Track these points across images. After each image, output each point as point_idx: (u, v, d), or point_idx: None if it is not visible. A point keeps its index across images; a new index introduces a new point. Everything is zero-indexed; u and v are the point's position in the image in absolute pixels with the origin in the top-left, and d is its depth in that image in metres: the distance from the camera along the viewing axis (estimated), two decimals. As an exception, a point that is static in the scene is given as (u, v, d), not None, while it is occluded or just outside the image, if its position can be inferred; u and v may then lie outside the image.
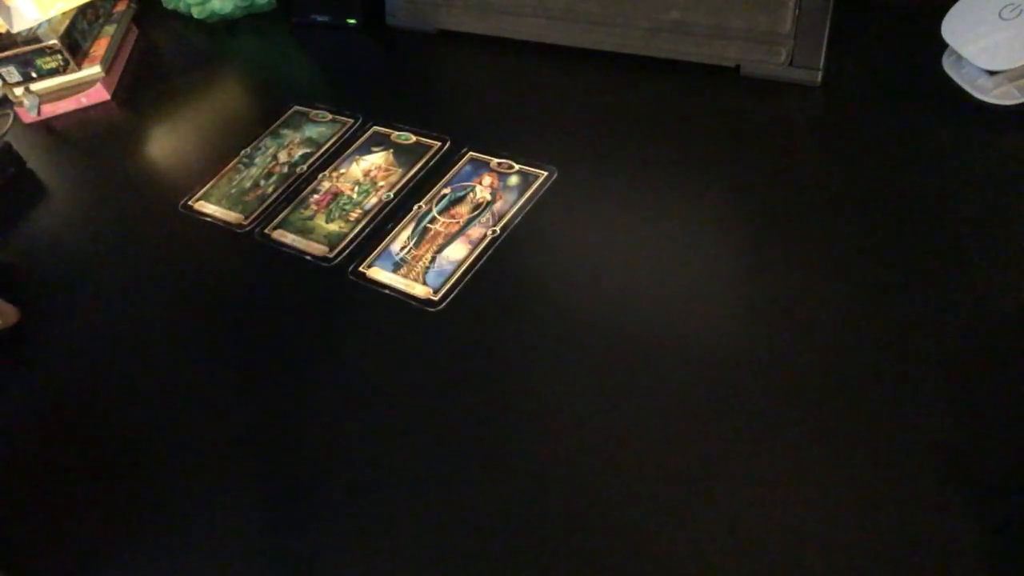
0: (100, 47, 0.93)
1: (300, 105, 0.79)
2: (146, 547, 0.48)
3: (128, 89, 0.92)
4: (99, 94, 0.90)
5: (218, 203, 0.70)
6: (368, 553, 0.44)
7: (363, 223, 0.64)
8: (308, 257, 0.62)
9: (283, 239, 0.65)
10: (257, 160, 0.74)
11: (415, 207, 0.64)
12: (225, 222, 0.68)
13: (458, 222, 0.61)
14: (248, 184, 0.71)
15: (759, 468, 0.42)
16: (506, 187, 0.63)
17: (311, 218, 0.66)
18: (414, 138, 0.71)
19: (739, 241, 0.55)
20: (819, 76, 0.64)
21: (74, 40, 0.90)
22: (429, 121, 0.72)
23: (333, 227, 0.64)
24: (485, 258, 0.58)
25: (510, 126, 0.70)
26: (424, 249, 0.60)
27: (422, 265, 0.59)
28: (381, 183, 0.67)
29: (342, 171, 0.70)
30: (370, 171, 0.69)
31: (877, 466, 0.41)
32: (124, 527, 0.49)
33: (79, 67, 0.90)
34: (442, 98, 0.78)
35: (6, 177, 0.80)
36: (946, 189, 0.54)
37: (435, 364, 0.53)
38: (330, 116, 0.76)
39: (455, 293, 0.56)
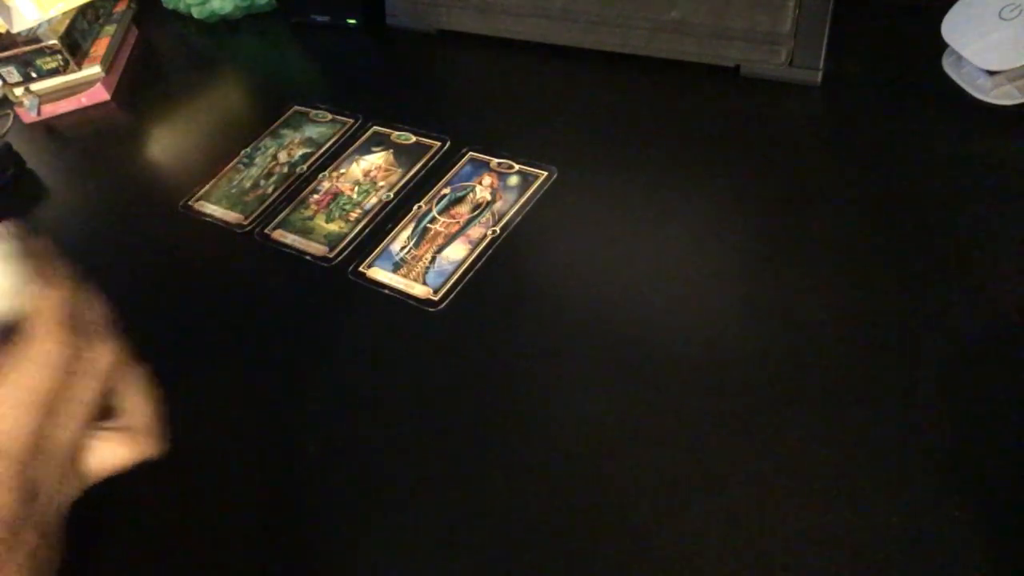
0: (100, 47, 0.93)
1: (300, 105, 0.79)
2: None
3: (128, 89, 0.92)
4: (99, 94, 0.90)
5: (218, 203, 0.70)
6: (367, 552, 0.44)
7: (363, 223, 0.64)
8: (308, 257, 0.62)
9: (283, 239, 0.65)
10: (257, 160, 0.74)
11: (415, 207, 0.64)
12: (225, 222, 0.68)
13: (458, 222, 0.61)
14: (248, 184, 0.71)
15: (759, 468, 0.42)
16: (506, 187, 0.63)
17: (311, 218, 0.66)
18: (414, 138, 0.71)
19: (739, 241, 0.55)
20: (819, 76, 0.64)
21: (74, 40, 0.90)
22: (429, 121, 0.72)
23: (333, 227, 0.64)
24: (485, 258, 0.58)
25: (510, 126, 0.70)
26: (424, 249, 0.60)
27: (422, 265, 0.59)
28: (381, 183, 0.67)
29: (342, 171, 0.70)
30: (370, 171, 0.69)
31: (878, 466, 0.41)
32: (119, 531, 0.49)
33: (79, 67, 0.90)
34: (442, 98, 0.78)
35: (6, 177, 0.80)
36: (946, 189, 0.54)
37: (435, 364, 0.53)
38: (330, 116, 0.76)
39: (455, 293, 0.56)
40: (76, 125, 0.89)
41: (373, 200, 0.66)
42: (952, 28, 0.60)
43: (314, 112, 0.77)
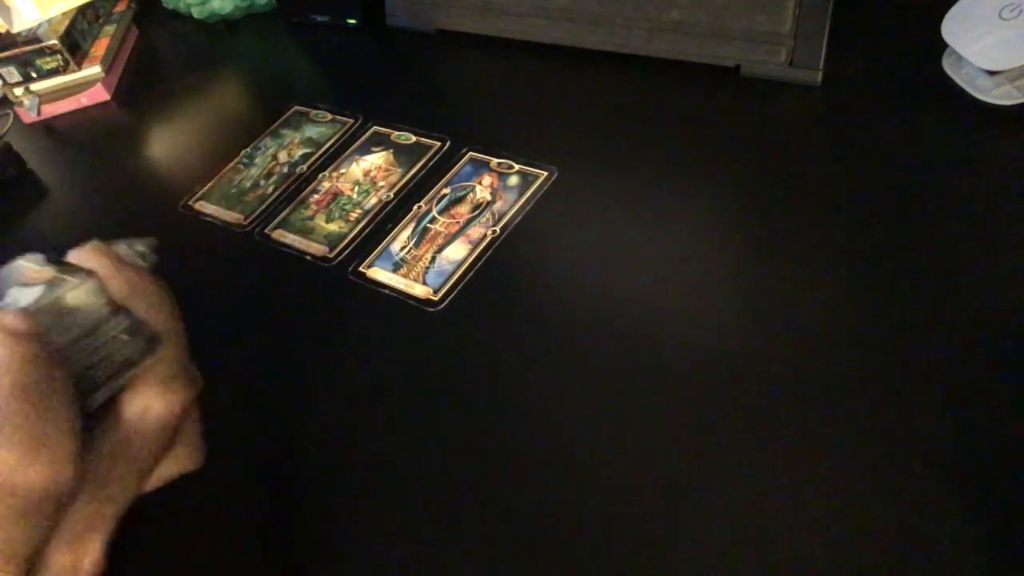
0: (100, 47, 0.93)
1: (300, 105, 0.79)
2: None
3: (128, 89, 0.92)
4: (99, 94, 0.90)
5: (218, 203, 0.70)
6: (366, 552, 0.44)
7: (363, 223, 0.64)
8: (308, 257, 0.62)
9: (283, 239, 0.65)
10: (257, 160, 0.74)
11: (415, 207, 0.64)
12: (225, 222, 0.68)
13: (458, 222, 0.61)
14: (248, 184, 0.71)
15: (758, 469, 0.42)
16: (506, 187, 0.63)
17: (311, 218, 0.66)
18: (414, 138, 0.71)
19: (739, 241, 0.55)
20: (819, 76, 0.64)
21: (74, 40, 0.90)
22: (429, 121, 0.72)
23: (333, 227, 0.64)
24: (485, 258, 0.58)
25: (510, 126, 0.70)
26: (424, 249, 0.60)
27: (422, 265, 0.59)
28: (381, 183, 0.67)
29: (342, 171, 0.70)
30: (370, 171, 0.69)
31: (876, 466, 0.41)
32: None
33: (79, 67, 0.90)
34: (442, 98, 0.78)
35: (6, 177, 0.80)
36: (946, 189, 0.54)
37: (435, 364, 0.53)
38: (330, 116, 0.76)
39: (455, 293, 0.56)
40: (76, 125, 0.89)
41: (373, 200, 0.66)
42: (952, 28, 0.60)
43: (314, 112, 0.77)
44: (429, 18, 0.83)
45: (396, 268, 0.59)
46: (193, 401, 0.34)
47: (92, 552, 0.29)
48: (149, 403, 0.31)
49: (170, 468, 0.34)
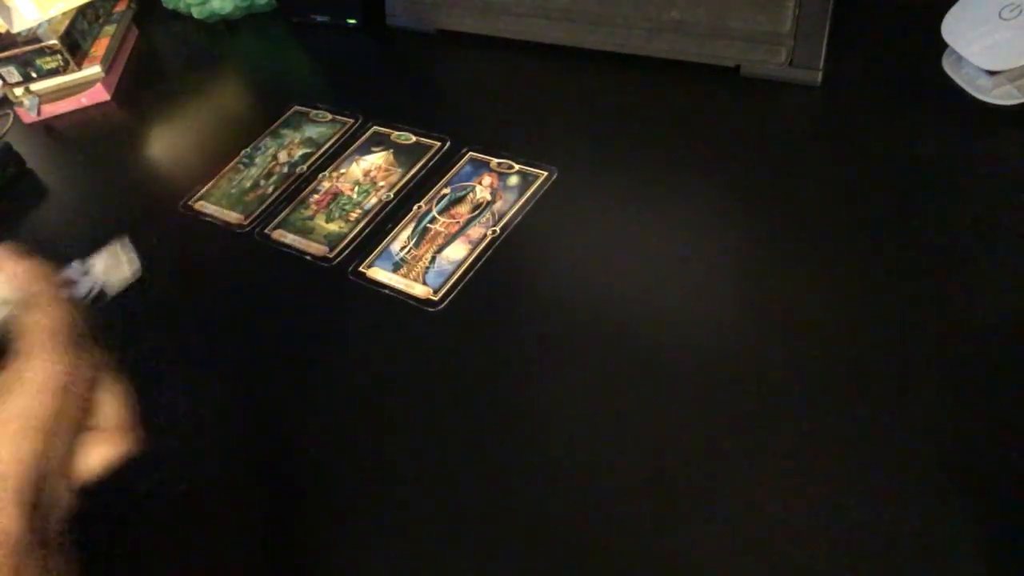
0: (100, 47, 0.93)
1: (300, 105, 0.79)
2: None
3: (128, 89, 0.92)
4: (99, 94, 0.90)
5: (218, 203, 0.70)
6: (365, 552, 0.44)
7: (363, 223, 0.64)
8: (308, 257, 0.62)
9: (283, 239, 0.65)
10: (257, 160, 0.74)
11: (415, 207, 0.64)
12: (225, 222, 0.68)
13: (458, 222, 0.61)
14: (248, 184, 0.71)
15: (758, 469, 0.42)
16: (506, 187, 0.63)
17: (311, 218, 0.66)
18: (414, 138, 0.71)
19: (739, 242, 0.55)
20: (819, 76, 0.64)
21: (74, 40, 0.90)
22: (429, 121, 0.72)
23: (333, 227, 0.64)
24: (485, 258, 0.58)
25: (510, 126, 0.70)
26: (424, 249, 0.60)
27: (422, 265, 0.59)
28: (381, 183, 0.67)
29: (342, 171, 0.70)
30: (370, 171, 0.69)
31: (876, 466, 0.41)
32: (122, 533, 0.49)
33: (79, 67, 0.90)
34: (442, 98, 0.78)
35: (6, 177, 0.80)
36: (946, 189, 0.54)
37: (435, 364, 0.53)
38: (330, 116, 0.76)
39: (455, 293, 0.56)
40: (76, 125, 0.89)
41: (373, 200, 0.66)
42: (952, 28, 0.60)
43: (314, 112, 0.77)
44: (429, 18, 0.83)
45: (396, 268, 0.59)
46: (94, 375, 0.32)
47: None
48: (23, 371, 0.30)
49: (98, 453, 0.33)
